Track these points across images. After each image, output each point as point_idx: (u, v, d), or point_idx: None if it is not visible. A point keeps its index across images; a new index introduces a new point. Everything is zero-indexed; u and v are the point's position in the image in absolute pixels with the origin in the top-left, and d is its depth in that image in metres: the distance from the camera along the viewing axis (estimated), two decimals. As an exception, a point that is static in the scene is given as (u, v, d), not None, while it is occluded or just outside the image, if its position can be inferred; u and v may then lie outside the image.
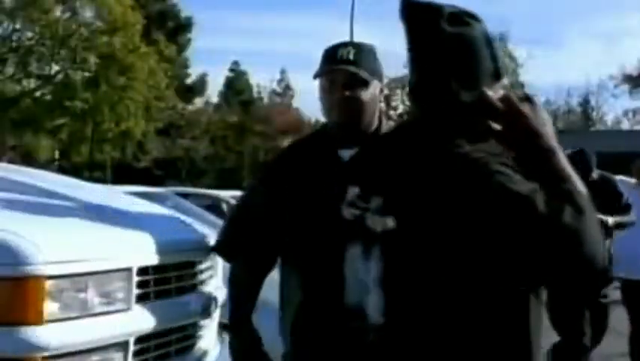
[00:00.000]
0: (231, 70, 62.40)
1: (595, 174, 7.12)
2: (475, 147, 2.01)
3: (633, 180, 7.79)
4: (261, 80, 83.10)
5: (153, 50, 37.64)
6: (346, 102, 2.85)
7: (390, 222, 2.24)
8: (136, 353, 2.83)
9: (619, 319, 8.44)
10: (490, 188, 1.90)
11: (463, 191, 1.94)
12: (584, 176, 4.76)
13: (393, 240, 2.14)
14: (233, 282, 3.15)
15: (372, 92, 2.90)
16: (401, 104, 50.13)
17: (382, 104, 3.00)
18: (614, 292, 10.40)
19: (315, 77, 2.92)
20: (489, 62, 2.09)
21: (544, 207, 1.83)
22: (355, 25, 35.69)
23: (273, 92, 62.88)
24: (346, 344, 2.75)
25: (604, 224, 6.50)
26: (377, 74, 2.94)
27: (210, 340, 3.52)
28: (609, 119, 59.84)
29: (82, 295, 2.64)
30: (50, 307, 2.53)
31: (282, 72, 65.01)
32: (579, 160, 6.50)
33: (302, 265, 2.93)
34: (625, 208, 7.07)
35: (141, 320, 2.84)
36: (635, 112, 57.32)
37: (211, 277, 3.52)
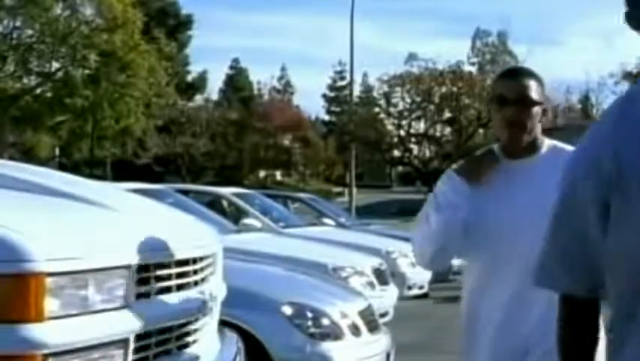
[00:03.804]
0: (231, 67, 62.47)
1: None
2: None
3: None
4: (261, 77, 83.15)
5: (153, 47, 37.64)
6: None
7: None
8: (136, 350, 2.83)
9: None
10: None
11: None
12: None
13: None
14: None
15: None
16: (401, 100, 50.09)
17: None
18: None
19: None
20: None
21: None
22: (355, 23, 35.69)
23: (273, 89, 62.89)
24: None
25: None
26: None
27: (211, 336, 3.53)
28: (609, 116, 59.77)
29: (82, 292, 2.64)
30: (51, 305, 2.53)
31: (282, 69, 65.11)
32: None
33: None
34: None
35: (141, 317, 2.84)
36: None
37: (211, 274, 3.52)
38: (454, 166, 3.07)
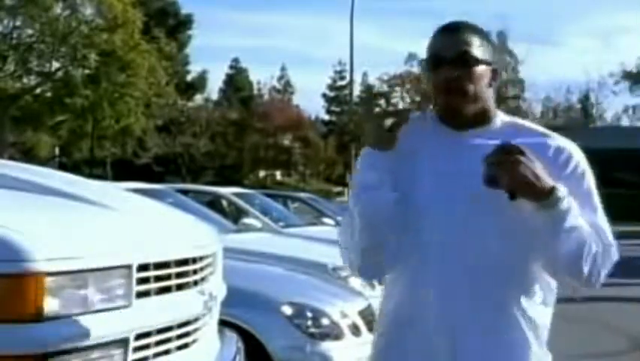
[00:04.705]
0: (231, 67, 62.41)
1: None
2: None
3: None
4: (261, 77, 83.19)
5: (153, 47, 37.65)
6: None
7: None
8: (136, 350, 2.83)
9: (619, 317, 8.43)
10: None
11: None
12: None
13: None
14: None
15: None
16: (401, 100, 50.09)
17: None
18: (618, 290, 10.31)
19: None
20: None
21: None
22: (355, 23, 35.72)
23: (273, 89, 62.87)
24: None
25: None
26: None
27: (211, 336, 3.53)
28: (609, 115, 59.94)
29: (82, 291, 2.64)
30: (50, 304, 2.53)
31: (282, 69, 65.07)
32: None
33: None
34: None
35: (141, 317, 2.84)
36: (634, 109, 57.35)
37: (211, 273, 3.52)
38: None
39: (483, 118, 2.41)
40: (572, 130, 45.55)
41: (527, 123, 2.49)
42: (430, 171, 2.36)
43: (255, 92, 61.76)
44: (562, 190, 2.22)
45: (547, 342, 2.39)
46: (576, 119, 58.73)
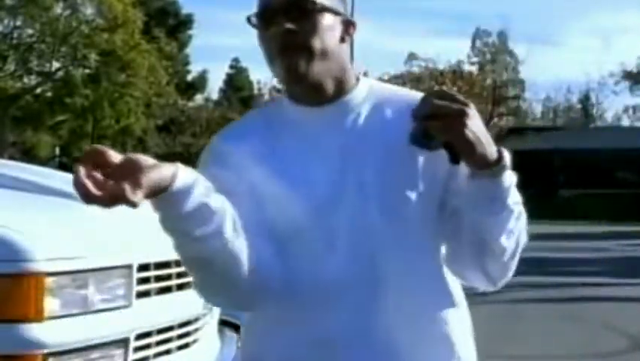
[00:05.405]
0: (232, 66, 62.44)
1: None
2: None
3: None
4: (262, 76, 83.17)
5: (154, 46, 37.68)
6: None
7: None
8: (136, 350, 2.83)
9: (620, 317, 8.41)
10: None
11: None
12: None
13: None
14: None
15: None
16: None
17: None
18: (619, 290, 10.32)
19: None
20: None
21: None
22: (356, 22, 35.70)
23: (274, 89, 62.93)
24: None
25: None
26: None
27: (211, 336, 3.52)
28: (609, 115, 60.03)
29: (82, 291, 2.64)
30: (51, 304, 2.53)
31: (283, 69, 65.13)
32: None
33: None
34: None
35: (142, 317, 2.84)
36: (635, 109, 57.39)
37: (211, 273, 3.51)
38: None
39: (340, 87, 1.85)
40: (572, 130, 45.57)
41: (396, 87, 1.96)
42: (279, 166, 1.82)
43: (256, 91, 61.77)
44: (507, 155, 1.68)
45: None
46: (576, 119, 58.77)
